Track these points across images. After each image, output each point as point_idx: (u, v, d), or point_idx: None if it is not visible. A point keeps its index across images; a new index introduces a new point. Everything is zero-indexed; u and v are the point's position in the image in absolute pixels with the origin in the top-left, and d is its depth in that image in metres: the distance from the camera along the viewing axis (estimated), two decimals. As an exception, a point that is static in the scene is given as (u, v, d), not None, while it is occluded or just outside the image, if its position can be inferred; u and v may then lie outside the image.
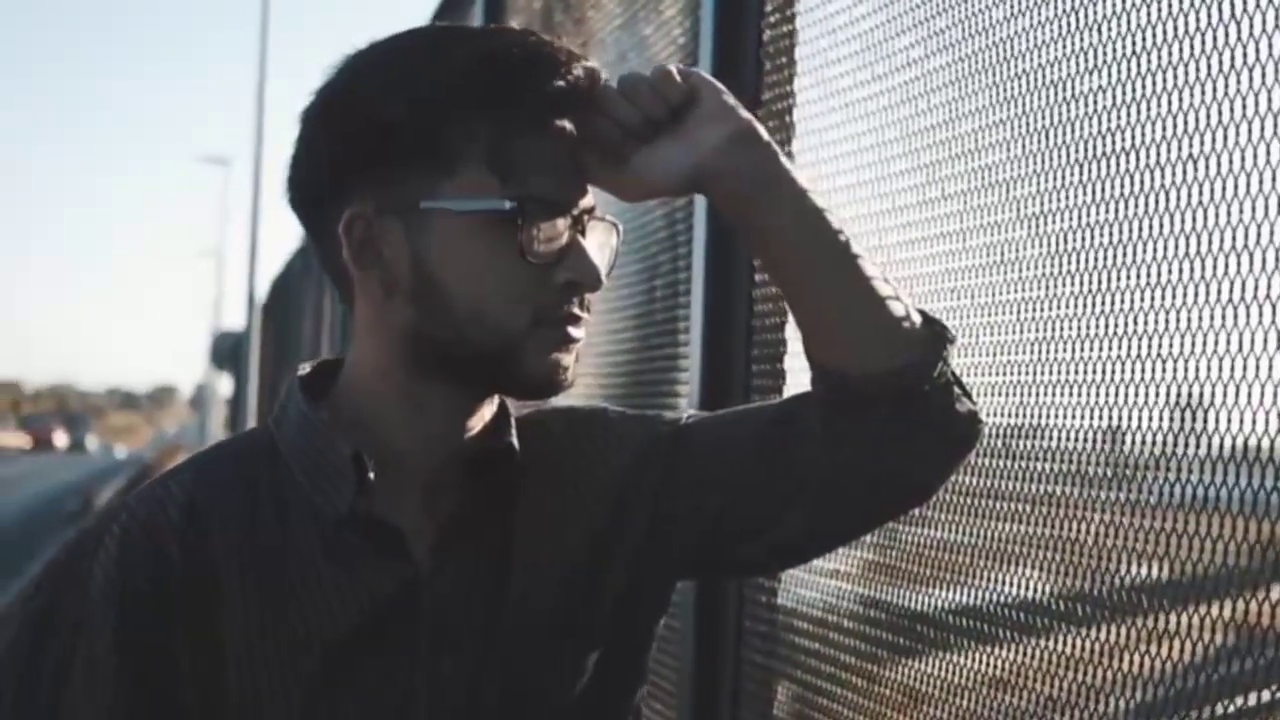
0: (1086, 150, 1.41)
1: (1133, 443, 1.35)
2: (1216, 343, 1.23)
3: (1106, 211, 1.38)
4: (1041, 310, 1.49)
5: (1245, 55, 1.19)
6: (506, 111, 1.18)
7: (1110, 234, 1.37)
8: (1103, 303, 1.39)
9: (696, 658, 2.24)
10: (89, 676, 1.17)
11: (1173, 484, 1.30)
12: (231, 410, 25.00)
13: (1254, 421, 1.19)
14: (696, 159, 1.21)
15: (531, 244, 1.18)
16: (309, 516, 1.22)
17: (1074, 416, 1.44)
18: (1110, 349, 1.37)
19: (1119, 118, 1.36)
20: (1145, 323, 1.32)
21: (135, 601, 1.18)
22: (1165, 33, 1.29)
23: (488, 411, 1.27)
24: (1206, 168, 1.24)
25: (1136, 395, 1.34)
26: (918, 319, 1.24)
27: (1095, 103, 1.40)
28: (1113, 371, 1.37)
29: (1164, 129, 1.29)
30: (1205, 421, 1.26)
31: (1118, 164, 1.36)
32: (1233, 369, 1.21)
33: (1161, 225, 1.30)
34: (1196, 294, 1.25)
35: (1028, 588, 1.52)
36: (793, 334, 1.90)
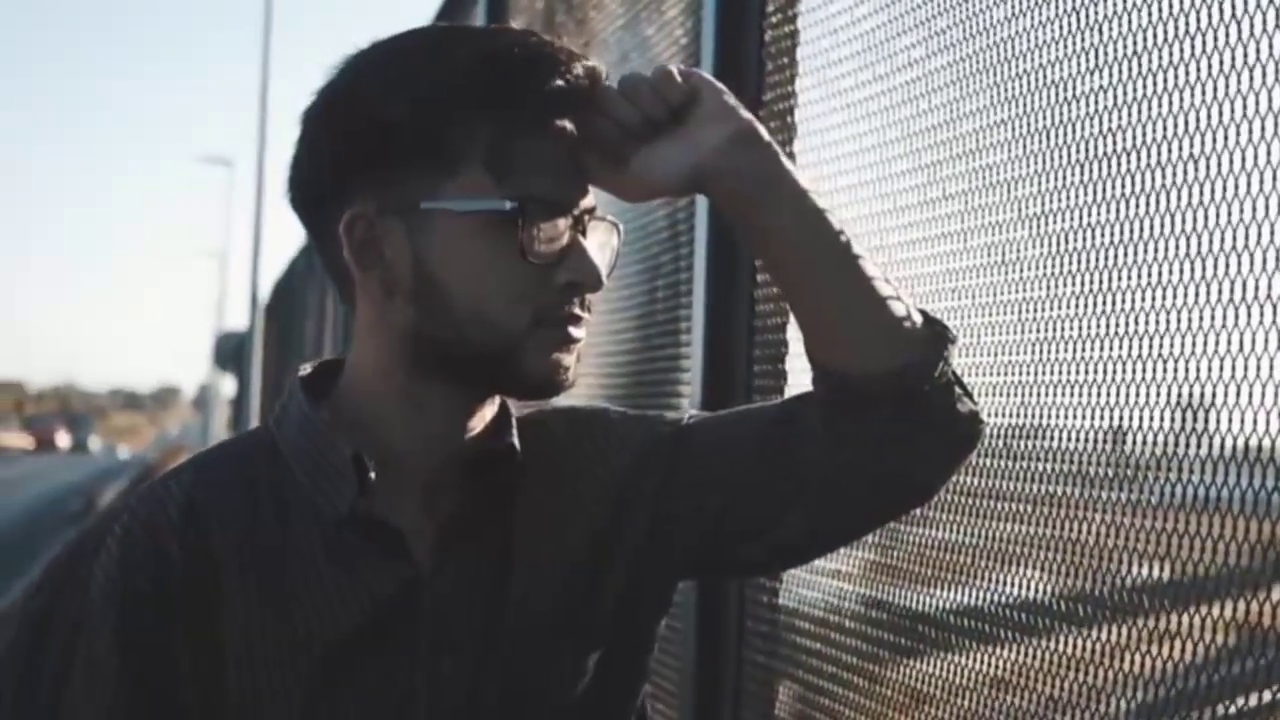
0: (1088, 150, 1.41)
1: (1134, 443, 1.35)
2: (1218, 343, 1.23)
3: (1108, 211, 1.38)
4: (1043, 310, 1.49)
5: (1245, 55, 1.19)
6: (508, 112, 1.18)
7: (1111, 234, 1.37)
8: (1104, 303, 1.39)
9: (698, 658, 2.24)
10: (89, 676, 1.17)
11: (1174, 484, 1.29)
12: (234, 411, 25.01)
13: (1255, 422, 1.19)
14: (697, 159, 1.21)
15: (532, 244, 1.18)
16: (310, 517, 1.22)
17: (1075, 417, 1.44)
18: (1112, 349, 1.37)
19: (1120, 118, 1.36)
20: (1146, 323, 1.32)
21: (136, 602, 1.18)
22: (1166, 33, 1.29)
23: (489, 412, 1.27)
24: (1207, 168, 1.24)
25: (1138, 395, 1.33)
26: (919, 319, 1.24)
27: (1096, 103, 1.40)
28: (1114, 372, 1.37)
29: (1165, 129, 1.29)
30: (1207, 422, 1.26)
31: (1119, 164, 1.36)
32: (1234, 369, 1.21)
33: (1162, 225, 1.30)
34: (1198, 294, 1.25)
35: (1029, 588, 1.52)
36: (794, 334, 1.90)
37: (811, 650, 2.00)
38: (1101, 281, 1.39)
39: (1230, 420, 1.22)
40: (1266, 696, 1.21)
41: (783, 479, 1.27)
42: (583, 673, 1.27)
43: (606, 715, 1.30)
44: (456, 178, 1.18)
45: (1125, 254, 1.35)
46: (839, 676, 1.91)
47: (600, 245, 1.24)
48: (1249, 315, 1.19)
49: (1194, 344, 1.26)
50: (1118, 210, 1.36)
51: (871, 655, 1.85)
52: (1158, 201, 1.31)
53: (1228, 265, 1.21)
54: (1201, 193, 1.25)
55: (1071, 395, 1.44)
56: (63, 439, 69.51)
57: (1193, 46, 1.26)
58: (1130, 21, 1.35)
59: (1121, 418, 1.36)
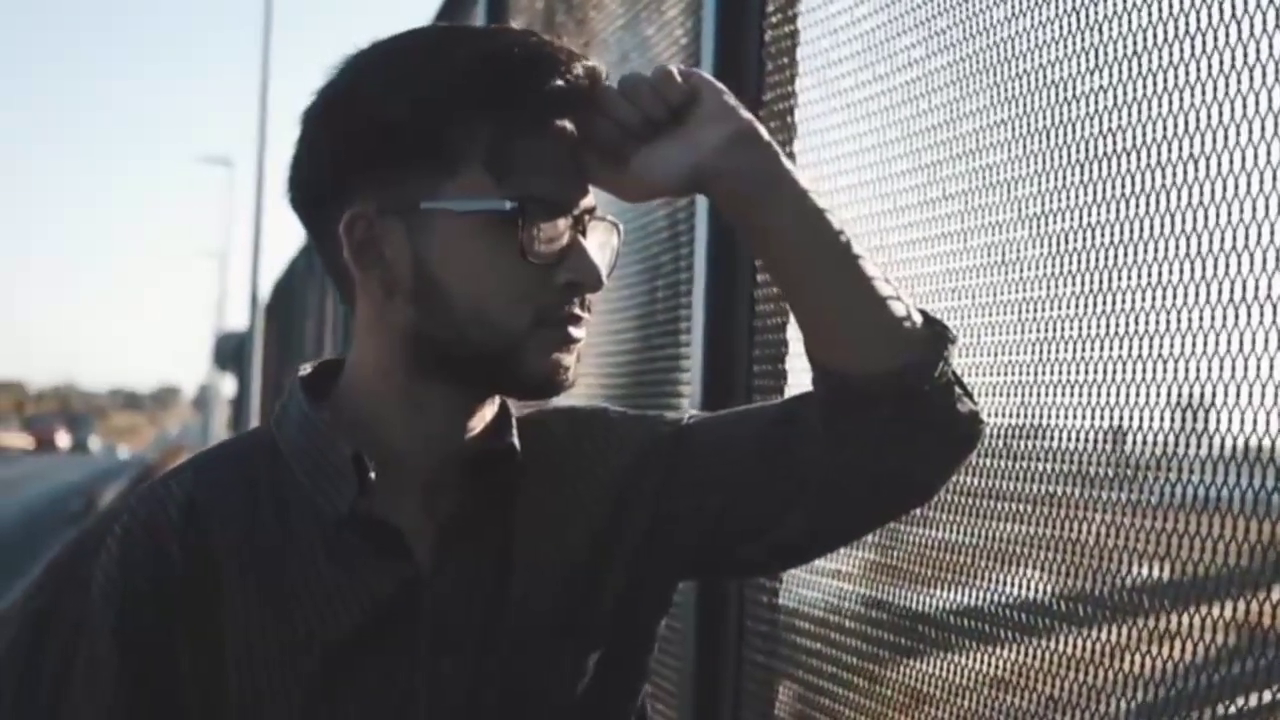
0: (1088, 150, 1.41)
1: (1134, 443, 1.35)
2: (1218, 343, 1.23)
3: (1108, 212, 1.38)
4: (1043, 310, 1.49)
5: (1245, 55, 1.19)
6: (508, 112, 1.18)
7: (1111, 234, 1.37)
8: (1104, 303, 1.38)
9: (698, 658, 2.24)
10: (89, 677, 1.17)
11: (1174, 484, 1.29)
12: (234, 411, 25.01)
13: (1255, 422, 1.19)
14: (697, 159, 1.21)
15: (532, 244, 1.18)
16: (310, 516, 1.22)
17: (1075, 417, 1.44)
18: (1112, 349, 1.37)
19: (1120, 118, 1.36)
20: (1147, 323, 1.32)
21: (136, 601, 1.18)
22: (1166, 33, 1.29)
23: (489, 412, 1.27)
24: (1207, 168, 1.24)
25: (1138, 395, 1.33)
26: (919, 319, 1.24)
27: (1096, 103, 1.40)
28: (1114, 372, 1.37)
29: (1165, 129, 1.29)
30: (1207, 422, 1.26)
31: (1119, 164, 1.36)
32: (1234, 369, 1.21)
33: (1163, 225, 1.30)
34: (1198, 294, 1.25)
35: (1029, 588, 1.52)
36: (794, 334, 1.90)
37: (811, 650, 2.00)
38: (1101, 281, 1.39)
39: (1230, 420, 1.22)
40: (1267, 697, 1.21)
41: (782, 479, 1.27)
42: (582, 673, 1.27)
43: (606, 715, 1.30)
44: (456, 178, 1.18)
45: (1125, 254, 1.35)
46: (839, 676, 1.91)
47: (600, 245, 1.24)
48: (1249, 315, 1.19)
49: (1194, 344, 1.26)
50: (1118, 210, 1.36)
51: (872, 655, 1.85)
52: (1158, 201, 1.31)
53: (1228, 265, 1.21)
54: (1201, 193, 1.25)
55: (1071, 395, 1.44)
56: (63, 439, 69.52)
57: (1193, 46, 1.26)
58: (1130, 21, 1.35)
59: (1121, 418, 1.36)
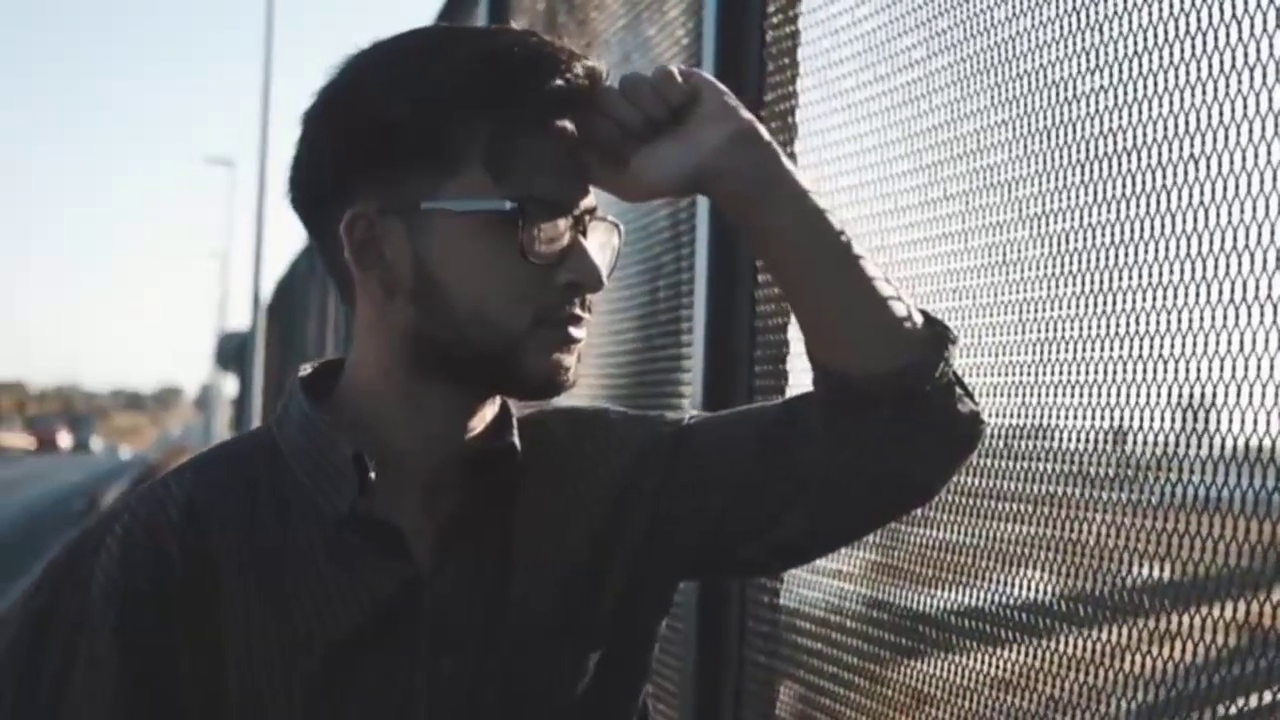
0: (1088, 151, 1.41)
1: (1136, 443, 1.35)
2: (1218, 343, 1.23)
3: (1108, 212, 1.38)
4: (1044, 310, 1.49)
5: (1246, 55, 1.19)
6: (508, 111, 1.18)
7: (1112, 234, 1.37)
8: (1105, 303, 1.38)
9: (699, 658, 2.24)
10: (89, 676, 1.17)
11: (1176, 485, 1.29)
12: (236, 411, 25.01)
13: (1256, 422, 1.19)
14: (698, 159, 1.21)
15: (532, 244, 1.18)
16: (310, 516, 1.22)
17: (1077, 417, 1.44)
18: (1113, 349, 1.37)
19: (1121, 118, 1.36)
20: (1147, 323, 1.32)
21: (136, 601, 1.18)
22: (1166, 33, 1.29)
23: (489, 412, 1.27)
24: (1208, 168, 1.24)
25: (1139, 396, 1.33)
26: (919, 319, 1.24)
27: (1097, 103, 1.40)
28: (1115, 372, 1.37)
29: (1166, 129, 1.29)
30: (1209, 422, 1.26)
31: (1120, 164, 1.36)
32: (1234, 369, 1.21)
33: (1163, 225, 1.30)
34: (1198, 294, 1.25)
35: (1031, 589, 1.52)
36: (796, 334, 1.90)
37: (813, 650, 2.00)
38: (1102, 282, 1.39)
39: (1231, 420, 1.22)
40: (1268, 697, 1.21)
41: (783, 479, 1.27)
42: (583, 672, 1.27)
43: (607, 715, 1.30)
44: (457, 177, 1.18)
45: (1126, 254, 1.35)
46: (840, 677, 1.91)
47: (601, 245, 1.24)
48: (1249, 315, 1.19)
49: (1195, 344, 1.26)
50: (1118, 210, 1.36)
51: (873, 656, 1.85)
52: (1158, 202, 1.31)
53: (1228, 265, 1.21)
54: (1202, 193, 1.25)
55: (1072, 395, 1.44)
56: (64, 439, 69.58)
57: (1193, 47, 1.26)
58: (1131, 21, 1.35)
59: (1122, 418, 1.36)
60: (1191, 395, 1.27)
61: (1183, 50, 1.27)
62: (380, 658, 1.21)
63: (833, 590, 1.97)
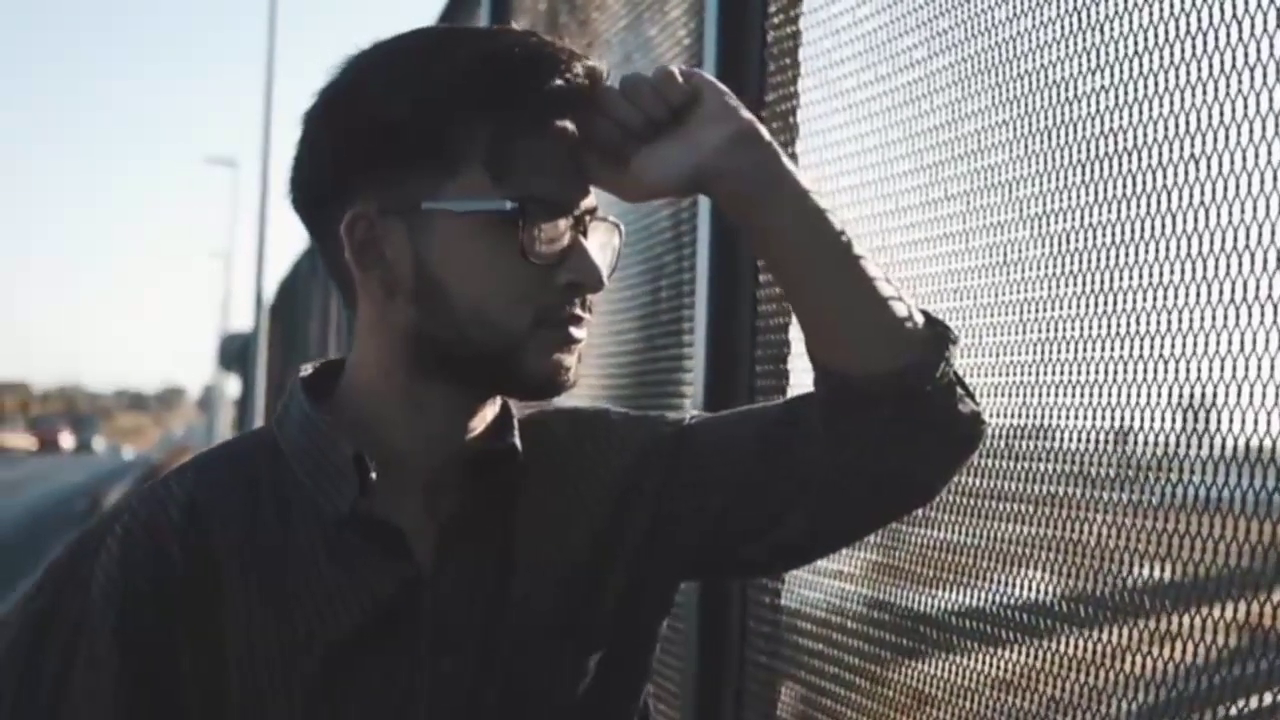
0: (1089, 151, 1.41)
1: (1137, 443, 1.35)
2: (1220, 343, 1.23)
3: (1109, 212, 1.38)
4: (1044, 310, 1.49)
5: (1246, 55, 1.19)
6: (508, 112, 1.18)
7: (1113, 234, 1.37)
8: (1106, 303, 1.38)
9: (700, 658, 2.24)
10: (89, 677, 1.17)
11: (1177, 485, 1.29)
12: (239, 412, 25.02)
13: (1258, 422, 1.19)
14: (698, 159, 1.21)
15: (533, 245, 1.18)
16: (311, 517, 1.22)
17: (1078, 417, 1.44)
18: (1114, 349, 1.37)
19: (1122, 118, 1.36)
20: (1148, 323, 1.32)
21: (136, 602, 1.18)
22: (1167, 33, 1.29)
23: (490, 412, 1.27)
24: (1209, 168, 1.24)
25: (1141, 396, 1.33)
26: (920, 319, 1.24)
27: (1098, 103, 1.40)
28: (1116, 372, 1.37)
29: (1166, 129, 1.29)
30: (1209, 422, 1.26)
31: (1121, 164, 1.36)
32: (1235, 369, 1.21)
33: (1164, 225, 1.30)
34: (1199, 294, 1.25)
35: (1032, 589, 1.52)
36: (797, 334, 1.90)
37: (814, 651, 2.00)
38: (1103, 282, 1.39)
39: (1233, 421, 1.22)
40: (1269, 699, 1.21)
41: (783, 479, 1.27)
42: (584, 673, 1.27)
43: (608, 715, 1.30)
44: (457, 178, 1.18)
45: (1127, 254, 1.35)
46: (841, 677, 1.91)
47: (601, 246, 1.24)
48: (1250, 315, 1.19)
49: (1196, 344, 1.26)
50: (1119, 210, 1.36)
51: (874, 656, 1.85)
52: (1159, 202, 1.30)
53: (1229, 265, 1.21)
54: (1203, 193, 1.25)
55: (1073, 396, 1.44)
56: (66, 440, 69.60)
57: (1193, 47, 1.26)
58: (1131, 22, 1.35)
59: (1124, 418, 1.36)
60: (1192, 395, 1.27)
61: (1183, 50, 1.27)
62: (381, 658, 1.21)
63: (834, 590, 1.97)
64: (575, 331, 1.22)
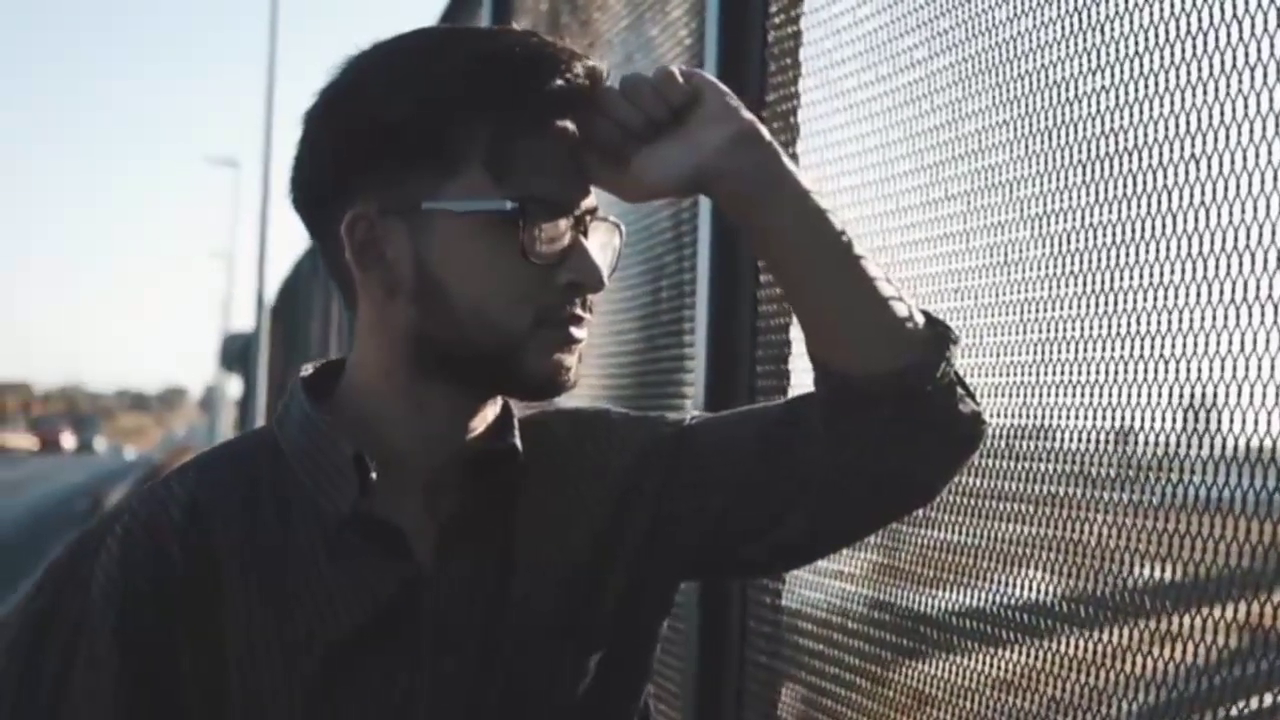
0: (1090, 151, 1.41)
1: (1138, 443, 1.35)
2: (1221, 343, 1.23)
3: (1110, 212, 1.38)
4: (1045, 311, 1.49)
5: (1246, 55, 1.19)
6: (508, 112, 1.18)
7: (1114, 234, 1.37)
8: (1107, 303, 1.38)
9: (700, 659, 2.24)
10: (89, 677, 1.17)
11: (1178, 485, 1.29)
12: (240, 412, 25.03)
13: (1259, 422, 1.19)
14: (698, 160, 1.21)
15: (533, 245, 1.18)
16: (311, 517, 1.22)
17: (1079, 417, 1.44)
18: (1115, 349, 1.37)
19: (1122, 118, 1.36)
20: (1149, 323, 1.32)
21: (136, 601, 1.18)
22: (1167, 33, 1.29)
23: (490, 412, 1.27)
24: (1209, 168, 1.24)
25: (1142, 396, 1.33)
26: (920, 320, 1.24)
27: (1099, 103, 1.40)
28: (1117, 372, 1.37)
29: (1167, 129, 1.29)
30: (1210, 422, 1.26)
31: (1121, 164, 1.36)
32: (1237, 369, 1.21)
33: (1165, 225, 1.30)
34: (1200, 294, 1.25)
35: (1033, 589, 1.52)
36: (797, 334, 1.90)
37: (814, 651, 2.00)
38: (1104, 282, 1.39)
39: (1234, 421, 1.22)
40: (1270, 699, 1.21)
41: (784, 479, 1.26)
42: (584, 673, 1.27)
43: (608, 715, 1.30)
44: (457, 178, 1.18)
45: (1127, 254, 1.35)
46: (842, 678, 1.91)
47: (602, 246, 1.24)
48: (1251, 315, 1.19)
49: (1197, 344, 1.26)
50: (1120, 210, 1.36)
51: (874, 656, 1.85)
52: (1160, 202, 1.30)
53: (1230, 265, 1.21)
54: (1203, 193, 1.25)
55: (1074, 396, 1.44)
56: (68, 440, 69.63)
57: (1194, 47, 1.25)
58: (1132, 22, 1.35)
59: (1125, 418, 1.36)
60: (1193, 395, 1.27)
61: (1183, 50, 1.27)
62: (381, 658, 1.21)
63: (834, 591, 1.97)
64: (576, 331, 1.22)
